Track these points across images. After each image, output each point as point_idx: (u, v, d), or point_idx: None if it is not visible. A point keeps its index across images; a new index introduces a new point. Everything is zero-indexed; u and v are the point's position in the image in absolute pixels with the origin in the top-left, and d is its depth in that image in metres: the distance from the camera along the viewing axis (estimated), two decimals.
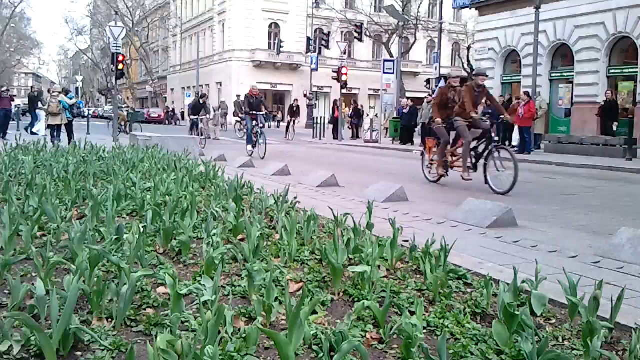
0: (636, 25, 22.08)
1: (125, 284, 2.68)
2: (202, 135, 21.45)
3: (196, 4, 63.57)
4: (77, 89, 48.07)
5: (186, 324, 2.54)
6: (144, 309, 2.76)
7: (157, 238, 4.06)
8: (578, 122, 23.79)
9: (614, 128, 19.72)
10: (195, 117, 22.81)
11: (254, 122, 15.97)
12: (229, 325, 2.43)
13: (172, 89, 69.28)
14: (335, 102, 28.21)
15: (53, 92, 18.54)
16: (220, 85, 57.56)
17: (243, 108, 17.94)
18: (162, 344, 2.10)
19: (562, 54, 25.52)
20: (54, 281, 3.05)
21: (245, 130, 18.04)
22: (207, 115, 23.67)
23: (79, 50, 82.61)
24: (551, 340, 2.55)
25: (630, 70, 22.97)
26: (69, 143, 14.64)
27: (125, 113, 27.98)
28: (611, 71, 23.67)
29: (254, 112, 15.90)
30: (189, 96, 54.82)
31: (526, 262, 4.03)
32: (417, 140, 23.46)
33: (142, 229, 3.80)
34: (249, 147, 16.21)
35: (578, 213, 7.12)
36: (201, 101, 23.32)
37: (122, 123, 26.14)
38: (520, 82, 26.51)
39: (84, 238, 3.45)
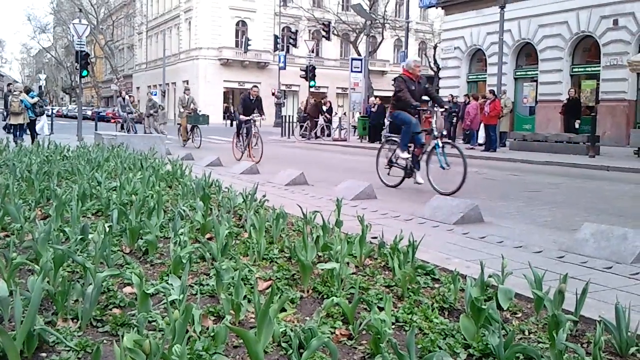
0: (598, 25, 22.56)
1: (90, 284, 2.64)
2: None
3: (162, 1, 62.94)
4: (40, 87, 47.17)
5: (153, 323, 2.51)
6: (110, 309, 2.72)
7: (123, 238, 4.01)
8: (542, 120, 24.22)
9: (577, 126, 20.11)
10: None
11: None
12: (197, 324, 2.41)
13: (138, 88, 68.42)
14: (306, 100, 28.14)
15: (14, 91, 18.14)
16: (187, 83, 57.03)
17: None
18: (129, 344, 2.07)
19: (527, 53, 25.94)
20: (18, 282, 2.98)
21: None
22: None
23: (42, 48, 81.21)
24: (517, 334, 2.58)
25: (593, 68, 23.46)
26: (32, 142, 14.35)
27: (185, 118, 20.17)
28: (574, 70, 24.13)
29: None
30: (155, 94, 54.28)
31: (492, 257, 4.08)
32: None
33: (107, 229, 3.74)
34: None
35: (542, 209, 7.24)
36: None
37: (185, 131, 20.27)
38: (485, 80, 26.88)
39: (48, 238, 3.39)
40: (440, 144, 8.52)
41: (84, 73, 21.51)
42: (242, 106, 14.85)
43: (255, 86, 15.68)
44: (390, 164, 9.41)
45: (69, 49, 64.26)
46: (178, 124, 21.38)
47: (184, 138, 20.15)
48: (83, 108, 30.97)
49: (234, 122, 26.46)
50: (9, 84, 22.33)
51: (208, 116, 22.34)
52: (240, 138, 14.99)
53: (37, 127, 23.17)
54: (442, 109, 9.34)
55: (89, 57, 26.46)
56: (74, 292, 2.69)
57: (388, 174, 9.41)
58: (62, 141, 12.73)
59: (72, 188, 5.54)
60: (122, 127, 22.71)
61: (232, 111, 28.77)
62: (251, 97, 14.85)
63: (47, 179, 6.48)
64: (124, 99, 22.62)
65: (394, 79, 9.30)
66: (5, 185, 5.34)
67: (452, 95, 23.65)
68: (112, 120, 25.41)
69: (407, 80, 8.94)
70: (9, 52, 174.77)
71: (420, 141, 8.88)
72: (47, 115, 24.62)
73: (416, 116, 9.05)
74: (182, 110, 20.51)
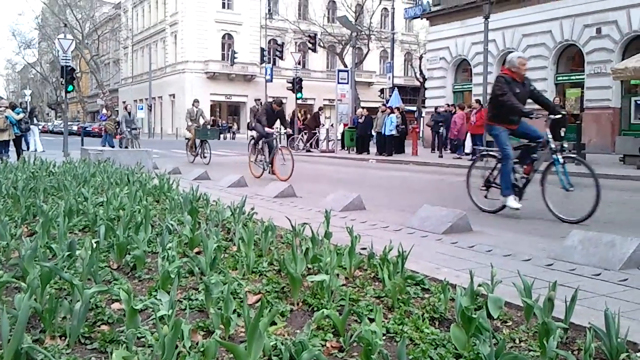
0: (582, 33, 22.83)
1: (78, 301, 2.61)
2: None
3: (147, 15, 62.95)
4: (26, 103, 46.83)
5: (142, 339, 2.48)
6: (99, 326, 2.69)
7: (111, 253, 3.98)
8: None
9: (562, 134, 20.25)
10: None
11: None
12: (186, 339, 2.39)
13: (124, 102, 68.21)
14: (293, 112, 28.17)
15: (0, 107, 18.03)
16: (174, 97, 57.05)
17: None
18: None
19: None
20: (4, 300, 2.94)
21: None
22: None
23: (27, 63, 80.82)
24: (508, 342, 2.58)
25: (577, 77, 23.70)
26: (18, 159, 14.25)
27: (194, 131, 18.55)
28: (559, 78, 24.37)
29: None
30: (141, 109, 54.17)
31: (481, 266, 4.09)
32: (372, 149, 23.67)
33: (95, 245, 3.71)
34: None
35: (531, 217, 7.26)
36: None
37: (193, 146, 18.86)
38: (471, 90, 27.08)
39: (35, 255, 3.35)
40: (561, 160, 7.10)
41: (70, 88, 21.39)
42: (266, 117, 13.30)
43: (275, 101, 14.09)
44: (488, 184, 7.84)
45: (54, 64, 63.98)
46: (186, 138, 19.48)
47: (193, 153, 18.63)
48: (69, 123, 30.77)
49: (250, 135, 25.51)
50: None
51: (218, 130, 21.48)
52: (259, 153, 13.60)
53: (30, 143, 23.19)
54: (555, 116, 7.60)
55: (75, 72, 26.32)
56: (61, 310, 2.66)
57: (485, 196, 7.87)
58: (48, 157, 12.65)
59: (59, 204, 5.50)
60: (123, 145, 21.29)
61: (249, 122, 27.39)
62: (273, 108, 13.61)
63: (33, 195, 6.43)
64: (129, 113, 21.60)
65: (496, 80, 7.67)
66: None
67: (435, 108, 23.83)
68: (117, 137, 23.15)
69: (511, 82, 7.35)
70: None
71: (533, 158, 7.42)
72: (42, 132, 24.45)
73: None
74: (190, 123, 18.84)
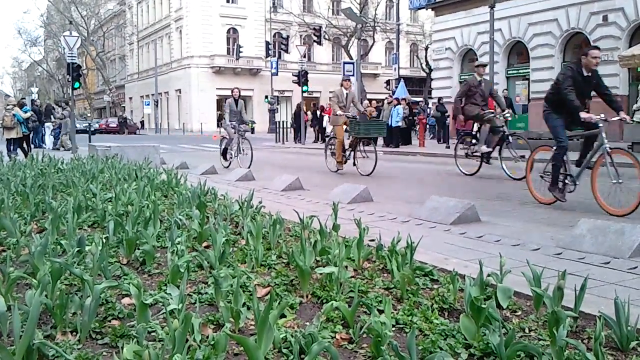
0: (588, 21, 22.65)
1: (89, 296, 2.62)
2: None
3: (152, 11, 62.91)
4: (32, 101, 47.00)
5: (153, 333, 2.50)
6: (109, 321, 2.71)
7: (120, 248, 4.00)
8: (535, 118, 24.22)
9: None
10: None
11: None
12: (196, 333, 2.40)
13: (131, 98, 68.41)
14: (298, 105, 28.12)
15: (7, 105, 18.15)
16: (180, 92, 57.09)
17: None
18: (129, 355, 2.07)
19: (518, 52, 26.01)
20: (15, 296, 2.97)
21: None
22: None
23: (34, 61, 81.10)
24: (518, 332, 2.58)
25: None
26: (26, 157, 14.32)
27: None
28: None
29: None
30: (148, 104, 54.27)
31: (490, 256, 4.08)
32: (379, 141, 23.59)
33: (104, 240, 3.73)
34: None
35: (539, 207, 7.24)
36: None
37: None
38: None
39: (45, 251, 3.37)
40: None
41: (76, 85, 21.41)
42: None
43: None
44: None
45: (61, 62, 64.21)
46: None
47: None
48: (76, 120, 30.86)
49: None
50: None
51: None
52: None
53: (46, 140, 23.27)
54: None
55: (81, 69, 26.39)
56: (72, 305, 2.67)
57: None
58: (56, 154, 12.70)
59: (68, 200, 5.53)
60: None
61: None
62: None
63: (42, 192, 6.46)
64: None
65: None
66: (0, 200, 5.32)
67: (439, 98, 23.73)
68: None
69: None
70: (0, 66, 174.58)
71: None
72: (56, 128, 24.47)
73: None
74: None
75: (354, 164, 11.97)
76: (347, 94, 12.13)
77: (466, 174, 11.34)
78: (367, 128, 11.95)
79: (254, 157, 13.47)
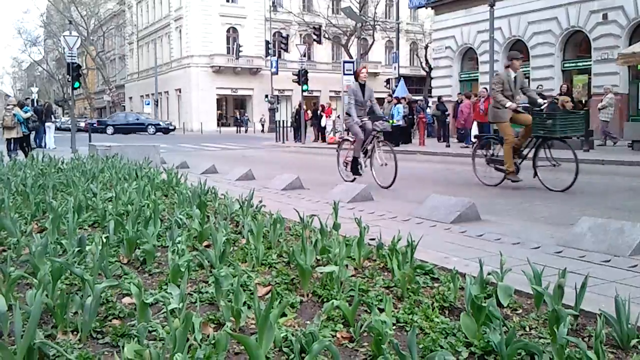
0: (588, 19, 22.66)
1: (89, 295, 2.62)
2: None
3: (152, 10, 62.91)
4: (32, 101, 46.86)
5: (154, 333, 2.50)
6: (110, 320, 2.71)
7: (121, 248, 4.00)
8: None
9: None
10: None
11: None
12: (197, 332, 2.40)
13: (131, 98, 68.41)
14: (299, 104, 28.13)
15: (8, 105, 18.16)
16: (180, 91, 57.10)
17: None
18: (130, 354, 2.07)
19: (518, 50, 25.96)
20: (16, 296, 2.97)
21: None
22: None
23: (34, 61, 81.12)
24: (518, 330, 2.58)
25: (584, 63, 23.54)
26: (26, 156, 14.32)
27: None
28: (566, 65, 24.21)
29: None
30: (148, 104, 54.24)
31: (491, 254, 4.08)
32: None
33: (104, 240, 3.73)
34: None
35: (539, 205, 7.25)
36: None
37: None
38: (478, 79, 26.94)
39: (46, 251, 3.37)
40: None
41: (76, 85, 21.40)
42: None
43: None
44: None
45: (60, 61, 64.17)
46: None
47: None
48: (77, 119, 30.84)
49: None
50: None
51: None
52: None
53: (46, 140, 23.27)
54: None
55: (81, 68, 26.38)
56: (73, 305, 2.68)
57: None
58: (56, 154, 12.70)
59: (68, 200, 5.53)
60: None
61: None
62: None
63: (43, 192, 6.47)
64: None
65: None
66: (0, 199, 5.32)
67: (439, 97, 23.74)
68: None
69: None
70: (0, 66, 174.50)
71: None
72: (58, 128, 24.33)
73: None
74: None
75: (535, 175, 8.91)
76: (515, 77, 9.16)
77: (487, 185, 9.22)
78: (564, 124, 8.84)
79: (398, 170, 9.11)
